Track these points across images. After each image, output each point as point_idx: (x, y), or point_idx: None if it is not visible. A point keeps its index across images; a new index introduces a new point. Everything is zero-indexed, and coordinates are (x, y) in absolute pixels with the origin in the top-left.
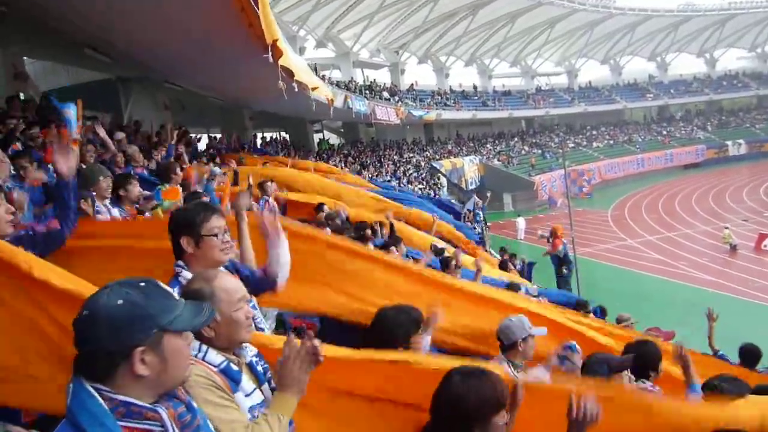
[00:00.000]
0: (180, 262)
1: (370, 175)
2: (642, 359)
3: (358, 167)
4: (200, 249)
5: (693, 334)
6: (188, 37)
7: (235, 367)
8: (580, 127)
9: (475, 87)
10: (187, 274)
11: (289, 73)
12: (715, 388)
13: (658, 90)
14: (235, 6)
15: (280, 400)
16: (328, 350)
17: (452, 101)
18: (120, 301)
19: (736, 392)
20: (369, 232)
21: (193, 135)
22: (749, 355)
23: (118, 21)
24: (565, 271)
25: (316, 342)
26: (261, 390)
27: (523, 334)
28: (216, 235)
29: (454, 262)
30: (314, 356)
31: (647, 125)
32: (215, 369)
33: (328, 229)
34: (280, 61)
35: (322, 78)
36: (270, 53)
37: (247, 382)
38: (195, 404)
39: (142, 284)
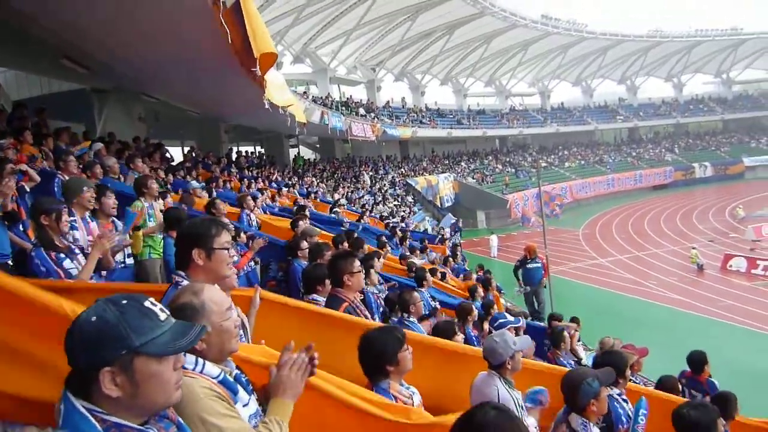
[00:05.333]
0: (181, 273)
1: (345, 192)
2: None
3: (334, 183)
4: (211, 261)
5: (661, 352)
6: (168, 49)
7: (230, 378)
8: (552, 146)
9: (413, 105)
10: (186, 284)
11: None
12: (683, 416)
13: (627, 112)
14: (215, 20)
15: (278, 405)
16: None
17: (427, 119)
18: (94, 318)
19: (705, 419)
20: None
21: (168, 148)
22: (696, 363)
23: (96, 31)
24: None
25: (314, 353)
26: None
27: (510, 353)
28: (227, 249)
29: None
30: (310, 366)
31: (617, 146)
32: (215, 380)
33: (304, 243)
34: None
35: (304, 94)
36: (258, 67)
37: (242, 392)
38: (187, 420)
39: (125, 302)
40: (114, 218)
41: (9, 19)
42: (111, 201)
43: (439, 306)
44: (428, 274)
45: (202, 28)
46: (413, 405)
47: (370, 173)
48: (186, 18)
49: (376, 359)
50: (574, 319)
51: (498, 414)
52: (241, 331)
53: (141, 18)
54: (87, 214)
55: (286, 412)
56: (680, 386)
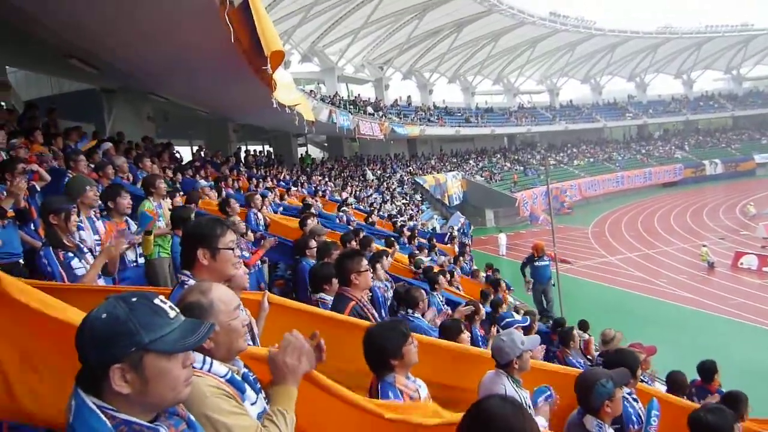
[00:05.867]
0: (186, 272)
1: (353, 190)
2: (621, 366)
3: (342, 182)
4: (216, 261)
5: (671, 350)
6: (168, 49)
7: (238, 377)
8: (561, 144)
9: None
10: (192, 283)
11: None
12: (700, 419)
13: (637, 109)
14: (221, 19)
15: (281, 392)
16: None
17: (435, 117)
18: (104, 315)
19: (722, 423)
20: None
21: (177, 147)
22: (706, 371)
23: (95, 31)
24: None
25: (321, 340)
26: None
27: (517, 353)
28: (232, 249)
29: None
30: (318, 353)
31: (627, 144)
32: (223, 379)
33: (313, 242)
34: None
35: (311, 92)
36: (269, 65)
37: (250, 390)
38: (194, 419)
39: (134, 299)
40: (128, 218)
41: (10, 18)
42: (126, 201)
43: (450, 311)
44: (440, 277)
45: (204, 28)
46: (420, 398)
47: (378, 172)
48: (186, 18)
49: (380, 354)
50: (582, 323)
51: (504, 403)
52: (249, 335)
53: (141, 18)
54: (92, 213)
55: (290, 400)
56: (690, 394)
